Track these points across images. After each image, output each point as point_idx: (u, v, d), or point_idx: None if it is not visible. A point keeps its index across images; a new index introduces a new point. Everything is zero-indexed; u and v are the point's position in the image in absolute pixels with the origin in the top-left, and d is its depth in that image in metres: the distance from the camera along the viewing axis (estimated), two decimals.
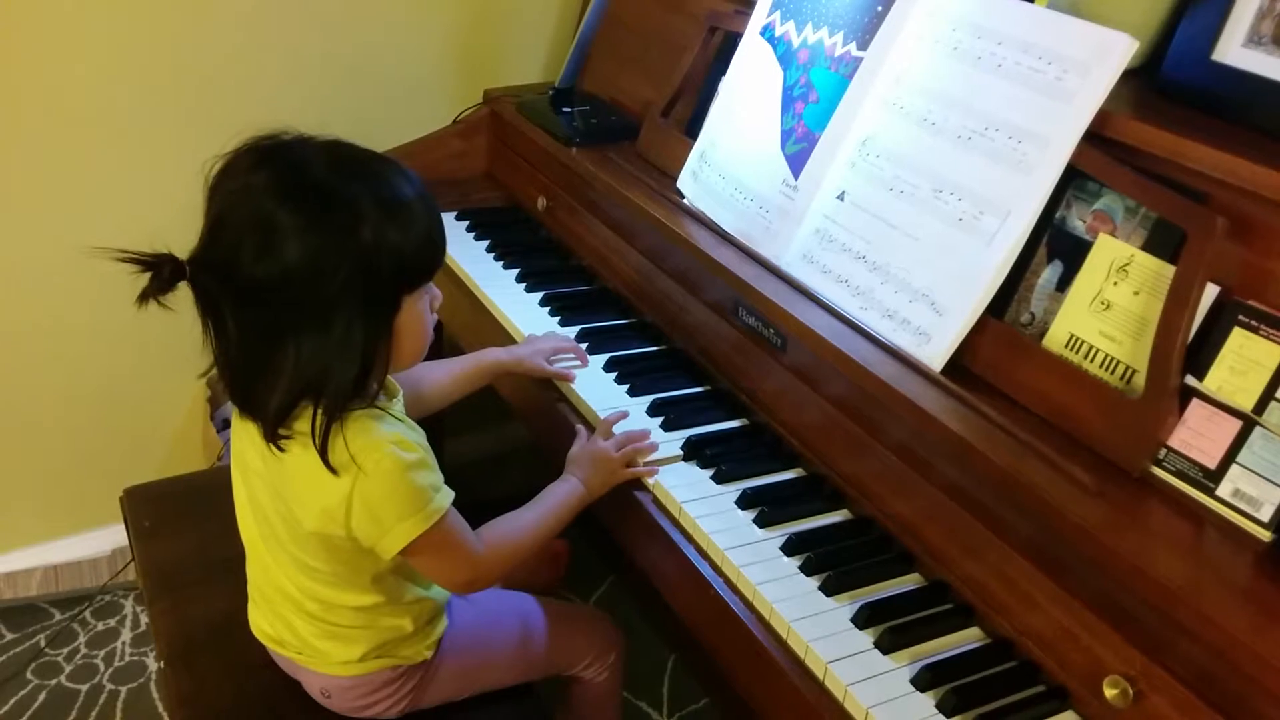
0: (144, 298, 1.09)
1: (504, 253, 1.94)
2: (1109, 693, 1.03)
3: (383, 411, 1.20)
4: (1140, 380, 1.16)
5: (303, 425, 1.15)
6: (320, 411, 1.13)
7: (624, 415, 1.49)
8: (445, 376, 1.55)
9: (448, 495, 1.23)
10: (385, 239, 1.11)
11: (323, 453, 1.14)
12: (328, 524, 1.19)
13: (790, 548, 1.28)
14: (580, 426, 1.49)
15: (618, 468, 1.40)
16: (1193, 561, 1.04)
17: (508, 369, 1.59)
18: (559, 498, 1.39)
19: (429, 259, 1.19)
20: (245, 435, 1.26)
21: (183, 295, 1.12)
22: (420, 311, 1.20)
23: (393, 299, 1.16)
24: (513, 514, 1.36)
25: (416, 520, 1.19)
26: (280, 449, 1.17)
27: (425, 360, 1.28)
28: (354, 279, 1.10)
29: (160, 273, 1.08)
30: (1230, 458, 1.08)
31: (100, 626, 2.21)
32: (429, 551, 1.23)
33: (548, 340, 1.63)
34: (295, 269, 1.08)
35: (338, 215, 1.10)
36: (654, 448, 1.43)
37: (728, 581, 1.26)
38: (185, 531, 1.65)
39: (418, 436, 1.23)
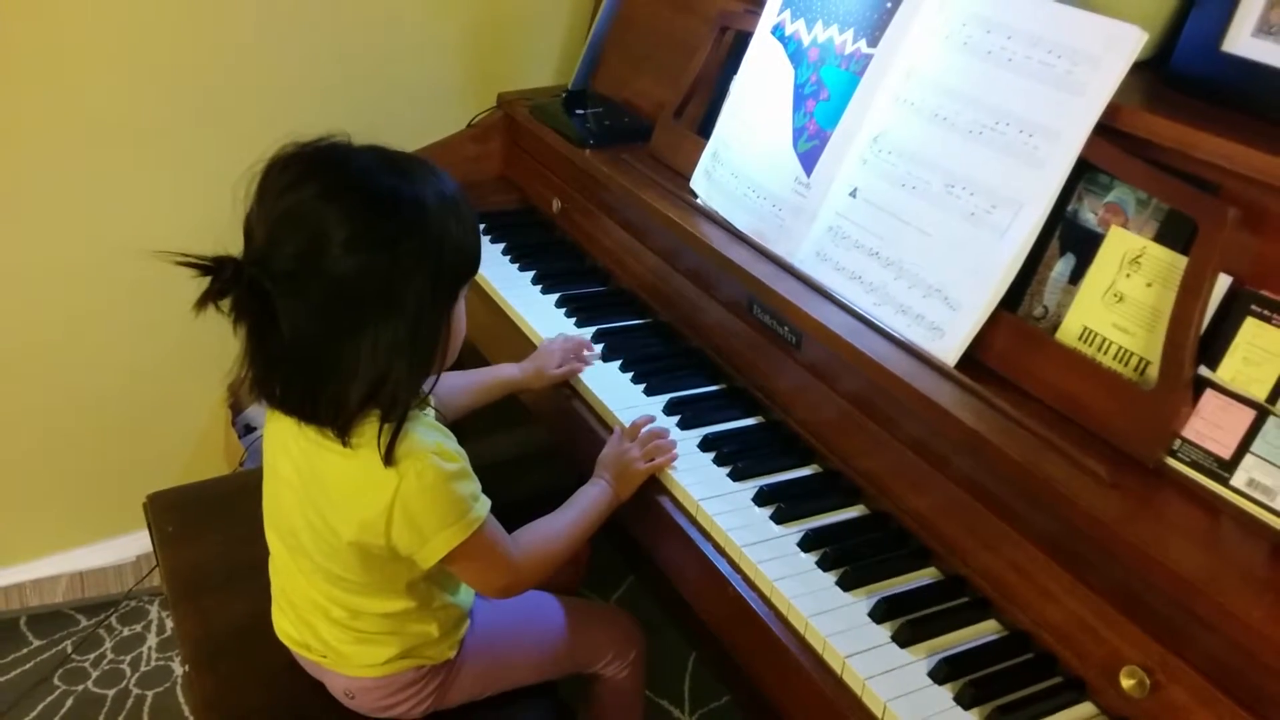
0: (204, 301, 1.08)
1: (519, 255, 1.96)
2: (1126, 683, 1.03)
3: (420, 417, 1.21)
4: (1154, 372, 1.16)
5: (362, 431, 1.17)
6: (386, 406, 1.14)
7: (651, 419, 1.50)
8: (459, 389, 1.56)
9: (486, 504, 1.25)
10: (450, 233, 1.15)
11: (390, 446, 1.15)
12: (367, 535, 1.20)
13: (807, 543, 1.29)
14: (616, 428, 1.50)
15: (640, 465, 1.41)
16: (1208, 551, 1.04)
17: (521, 387, 1.61)
18: (589, 501, 1.41)
19: (479, 254, 1.23)
20: (279, 446, 1.27)
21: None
22: (463, 309, 1.24)
23: (453, 292, 1.20)
24: (546, 518, 1.38)
25: (456, 529, 1.20)
26: (347, 445, 1.17)
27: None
28: (424, 274, 1.13)
29: (221, 274, 1.08)
30: (1244, 447, 1.08)
31: (126, 632, 2.23)
32: (468, 560, 1.25)
33: (554, 346, 1.64)
34: (370, 268, 1.09)
35: (406, 213, 1.12)
36: (673, 445, 1.44)
37: (745, 578, 1.27)
38: (208, 536, 1.67)
39: (456, 445, 1.24)
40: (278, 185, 1.12)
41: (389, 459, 1.15)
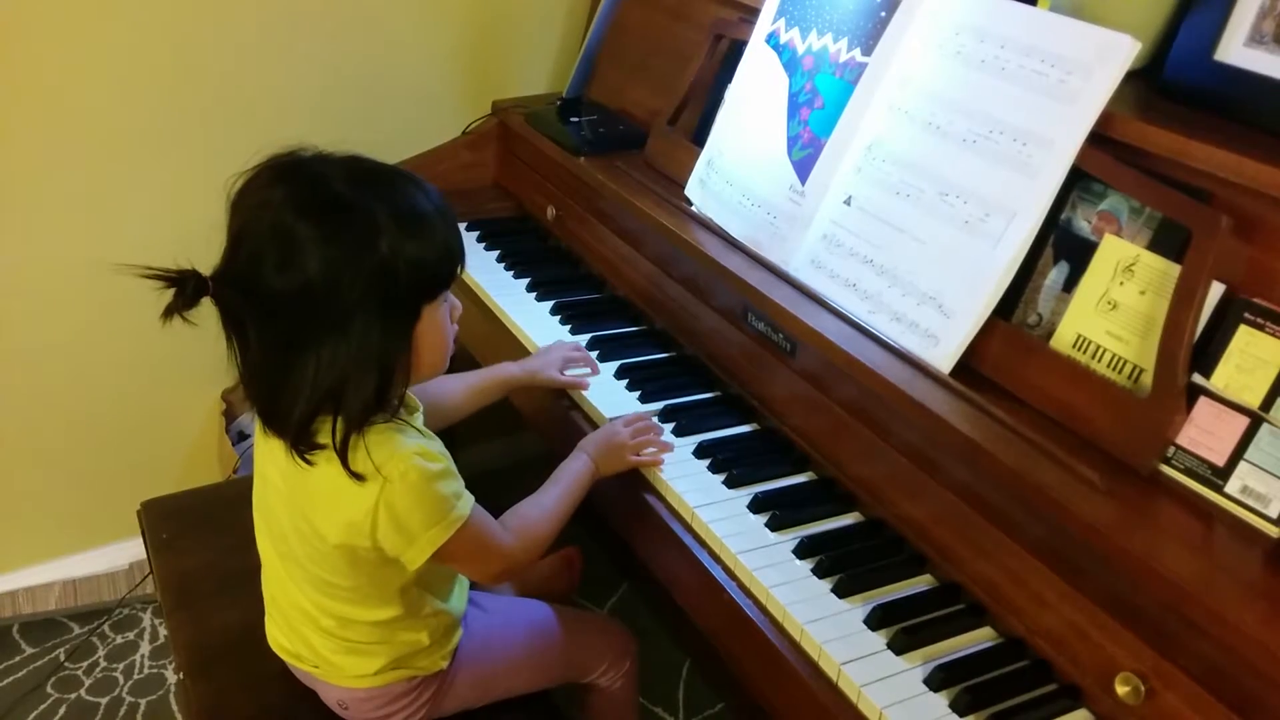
0: (168, 313, 1.11)
1: (514, 262, 1.96)
2: (1121, 690, 1.04)
3: (404, 424, 1.21)
4: (1148, 379, 1.16)
5: (326, 438, 1.16)
6: (340, 421, 1.15)
7: (647, 417, 1.50)
8: (459, 391, 1.56)
9: (469, 501, 1.25)
10: (402, 250, 1.13)
11: (344, 461, 1.15)
12: (353, 536, 1.20)
13: (802, 551, 1.29)
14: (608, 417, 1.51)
15: (627, 453, 1.42)
16: (1202, 559, 1.05)
17: (521, 383, 1.60)
18: (571, 474, 1.41)
19: (446, 269, 1.20)
20: (267, 452, 1.27)
21: (203, 310, 1.13)
22: (440, 321, 1.22)
23: (412, 309, 1.18)
24: (531, 499, 1.38)
25: (441, 528, 1.21)
26: (307, 461, 1.18)
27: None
28: (372, 290, 1.12)
29: (184, 288, 1.10)
30: (1238, 455, 1.08)
31: (119, 640, 2.22)
32: (459, 554, 1.26)
33: (558, 350, 1.64)
34: (315, 281, 1.09)
35: (355, 228, 1.11)
36: (669, 446, 1.45)
37: (741, 585, 1.27)
38: (202, 544, 1.67)
39: (440, 447, 1.24)
40: (240, 198, 1.13)
41: (345, 463, 1.16)
